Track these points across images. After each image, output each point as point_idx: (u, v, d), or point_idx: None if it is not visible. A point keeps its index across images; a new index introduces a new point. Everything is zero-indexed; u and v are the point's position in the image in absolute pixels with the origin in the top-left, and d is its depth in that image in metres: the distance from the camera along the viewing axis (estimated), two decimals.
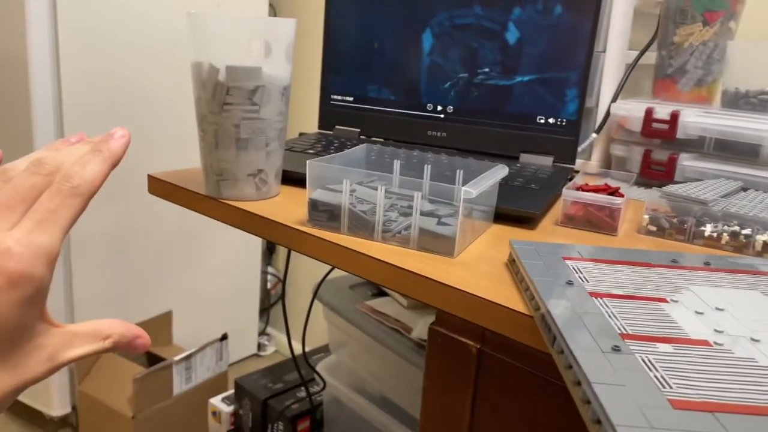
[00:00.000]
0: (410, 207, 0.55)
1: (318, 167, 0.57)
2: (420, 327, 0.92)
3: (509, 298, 0.44)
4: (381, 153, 0.68)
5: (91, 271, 1.49)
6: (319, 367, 1.11)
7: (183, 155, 1.57)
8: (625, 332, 0.36)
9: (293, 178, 0.69)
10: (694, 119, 0.75)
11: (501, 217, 0.62)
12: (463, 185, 0.63)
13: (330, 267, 0.64)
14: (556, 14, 0.77)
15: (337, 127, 0.92)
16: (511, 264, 0.50)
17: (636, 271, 0.45)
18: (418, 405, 0.96)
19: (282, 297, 1.00)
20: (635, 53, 0.86)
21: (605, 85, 0.83)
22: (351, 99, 0.91)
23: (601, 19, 0.79)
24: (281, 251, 2.08)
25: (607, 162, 0.86)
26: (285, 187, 0.69)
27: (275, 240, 0.60)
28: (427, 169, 0.64)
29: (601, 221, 0.61)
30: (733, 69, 0.80)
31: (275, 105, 0.62)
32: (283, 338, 2.04)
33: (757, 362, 0.33)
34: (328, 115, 0.93)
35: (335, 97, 0.92)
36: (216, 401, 1.27)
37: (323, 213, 0.57)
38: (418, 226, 0.54)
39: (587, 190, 0.66)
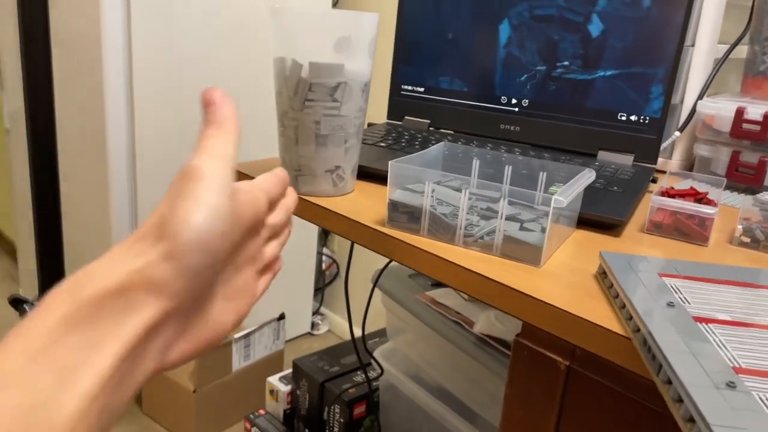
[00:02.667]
0: (489, 209, 0.54)
1: (399, 168, 0.56)
2: (482, 321, 0.91)
3: (601, 314, 0.43)
4: (453, 150, 0.67)
5: None
6: (376, 353, 1.11)
7: (256, 140, 1.58)
8: (738, 366, 0.34)
9: (366, 173, 0.69)
10: None
11: (583, 222, 0.60)
12: (543, 188, 0.61)
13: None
14: (645, 6, 0.73)
15: (406, 117, 0.91)
16: (602, 277, 0.48)
17: (740, 292, 0.43)
18: (475, 397, 0.96)
19: (345, 283, 1.00)
20: (725, 48, 0.81)
21: (692, 82, 0.79)
22: (422, 90, 0.89)
23: (692, 11, 0.75)
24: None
25: (689, 161, 0.82)
26: (359, 182, 0.68)
27: (352, 238, 0.60)
28: (508, 170, 0.63)
29: (690, 230, 0.59)
30: None
31: (356, 101, 0.61)
32: (336, 318, 2.06)
33: None
34: (397, 106, 0.91)
35: (406, 87, 0.90)
36: (274, 380, 1.30)
37: (403, 214, 0.56)
38: (503, 232, 0.52)
39: (673, 195, 0.63)
